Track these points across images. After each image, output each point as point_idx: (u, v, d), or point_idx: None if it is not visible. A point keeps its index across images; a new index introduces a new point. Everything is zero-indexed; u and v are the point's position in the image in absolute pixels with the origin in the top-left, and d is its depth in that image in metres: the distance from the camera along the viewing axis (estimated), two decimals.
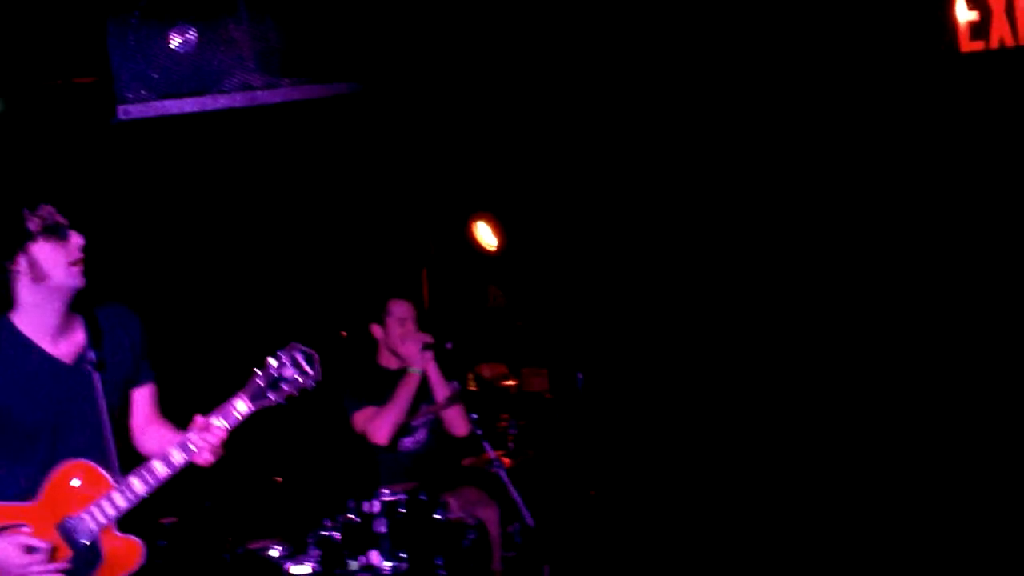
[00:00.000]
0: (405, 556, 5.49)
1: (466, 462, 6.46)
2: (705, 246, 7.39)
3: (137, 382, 4.04)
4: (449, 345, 6.11)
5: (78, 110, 5.74)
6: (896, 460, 6.70)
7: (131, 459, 3.96)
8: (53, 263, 3.76)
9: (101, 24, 5.06)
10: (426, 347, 6.06)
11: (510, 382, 7.70)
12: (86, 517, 3.81)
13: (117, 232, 6.98)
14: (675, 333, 7.61)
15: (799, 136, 6.70)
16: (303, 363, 3.83)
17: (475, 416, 6.05)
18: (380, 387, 6.08)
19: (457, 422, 6.16)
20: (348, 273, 7.77)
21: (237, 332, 7.32)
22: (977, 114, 5.97)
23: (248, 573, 5.73)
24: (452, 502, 5.79)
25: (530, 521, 5.88)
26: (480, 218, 8.15)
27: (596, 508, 7.18)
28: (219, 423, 3.81)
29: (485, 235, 8.19)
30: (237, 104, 5.07)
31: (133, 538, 3.85)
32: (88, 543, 3.81)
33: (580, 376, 7.24)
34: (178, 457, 3.79)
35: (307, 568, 5.55)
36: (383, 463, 6.04)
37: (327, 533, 5.59)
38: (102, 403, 3.85)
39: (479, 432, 6.03)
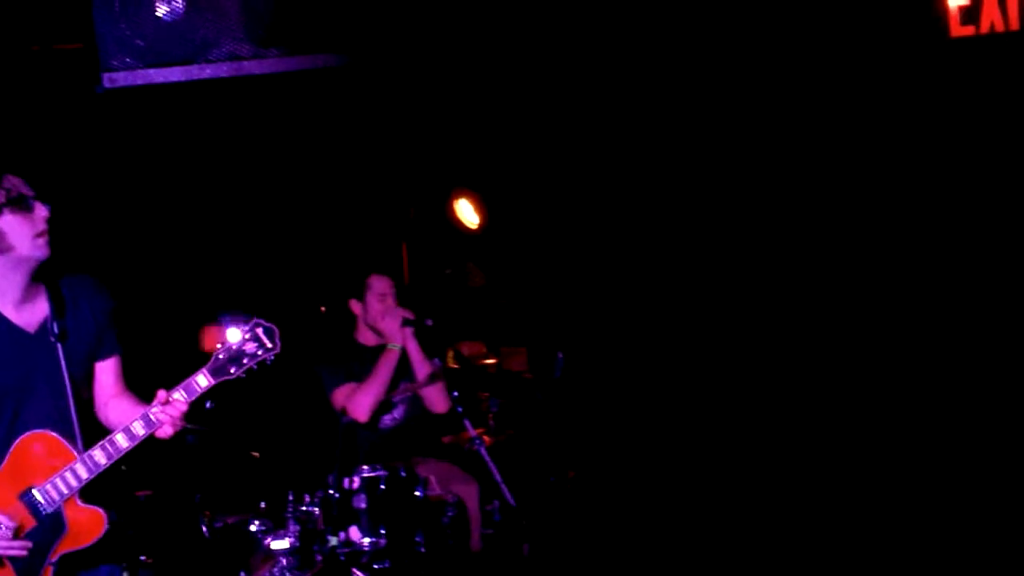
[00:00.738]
0: (384, 532, 5.47)
1: (446, 439, 6.45)
2: (686, 226, 7.39)
3: (101, 354, 4.06)
4: (429, 322, 6.08)
5: (62, 77, 5.66)
6: (869, 443, 6.74)
7: (95, 431, 4.00)
8: (18, 234, 3.80)
9: None
10: (406, 323, 6.03)
11: (490, 360, 7.68)
12: (49, 487, 3.84)
13: (95, 202, 6.92)
14: (656, 313, 7.61)
15: (787, 120, 6.70)
16: (263, 337, 3.94)
17: (456, 394, 6.02)
18: (359, 363, 6.05)
19: (437, 399, 6.13)
20: (328, 248, 7.72)
21: (216, 306, 7.27)
22: (967, 99, 5.98)
23: (227, 547, 5.71)
24: (432, 479, 5.77)
25: (510, 499, 5.88)
26: (461, 195, 8.11)
27: (575, 488, 7.18)
28: (180, 396, 3.88)
29: (467, 213, 8.15)
30: (224, 74, 5.02)
31: (96, 508, 3.88)
32: (51, 513, 3.86)
33: (560, 356, 7.23)
34: (140, 430, 3.85)
35: (286, 543, 5.53)
36: (362, 439, 6.01)
37: (307, 508, 5.57)
38: (64, 374, 3.89)
39: (459, 410, 6.01)
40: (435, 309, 6.49)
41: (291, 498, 5.61)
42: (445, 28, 5.69)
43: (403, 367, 6.05)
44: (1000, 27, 5.40)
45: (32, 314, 3.91)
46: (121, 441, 3.85)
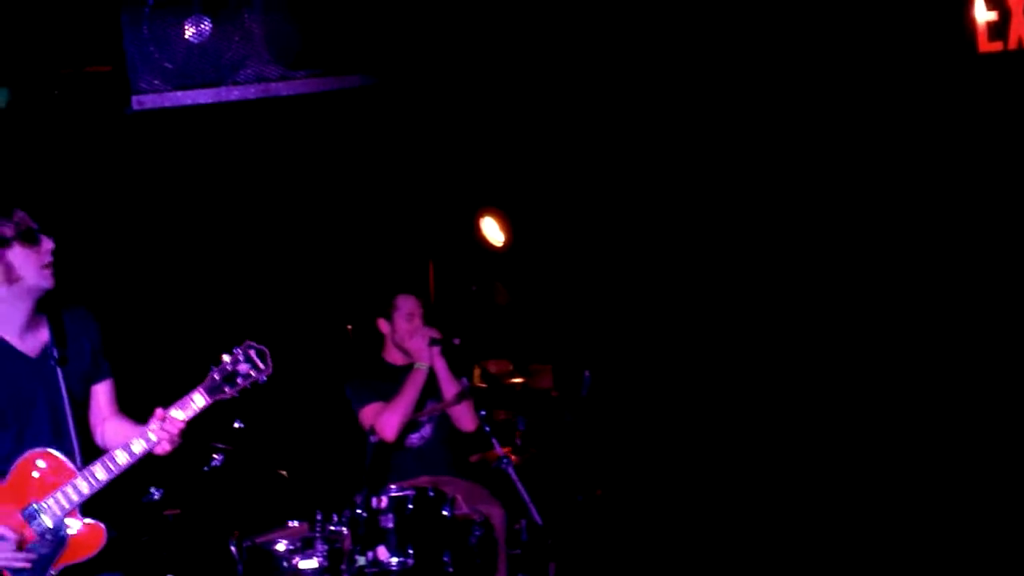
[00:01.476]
0: (412, 552, 5.46)
1: (473, 458, 6.43)
2: (713, 245, 7.37)
3: (96, 378, 4.30)
4: (457, 341, 6.08)
5: (92, 100, 5.71)
6: (909, 467, 6.69)
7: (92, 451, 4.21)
8: (26, 266, 4.06)
9: (115, 13, 5.03)
10: (433, 342, 6.03)
11: (517, 379, 7.66)
12: (51, 502, 4.02)
13: (126, 223, 6.97)
14: (681, 331, 7.58)
15: (816, 136, 6.68)
16: (256, 359, 4.11)
17: (483, 412, 6.02)
18: (386, 382, 6.06)
19: (465, 418, 6.13)
20: (355, 267, 7.74)
21: (245, 325, 7.28)
22: (995, 115, 5.95)
23: (255, 567, 5.71)
24: (459, 498, 5.76)
25: (537, 518, 5.85)
26: (487, 214, 8.11)
27: (602, 507, 7.15)
28: (177, 415, 4.08)
29: (492, 231, 8.15)
30: (251, 96, 5.06)
31: (96, 522, 4.07)
32: (52, 528, 4.02)
33: (587, 374, 7.21)
34: (138, 447, 4.05)
35: (314, 563, 5.53)
36: (390, 458, 6.01)
37: (335, 528, 5.56)
38: (64, 395, 4.13)
39: (487, 428, 6.00)
40: (462, 327, 6.48)
41: (319, 517, 5.61)
42: (471, 48, 5.71)
43: (431, 386, 6.05)
44: None
45: (35, 340, 4.16)
46: (120, 457, 4.04)
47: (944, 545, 6.28)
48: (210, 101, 5.03)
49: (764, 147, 6.90)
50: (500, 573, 5.82)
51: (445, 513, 5.57)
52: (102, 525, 4.08)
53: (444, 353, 6.08)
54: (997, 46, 5.46)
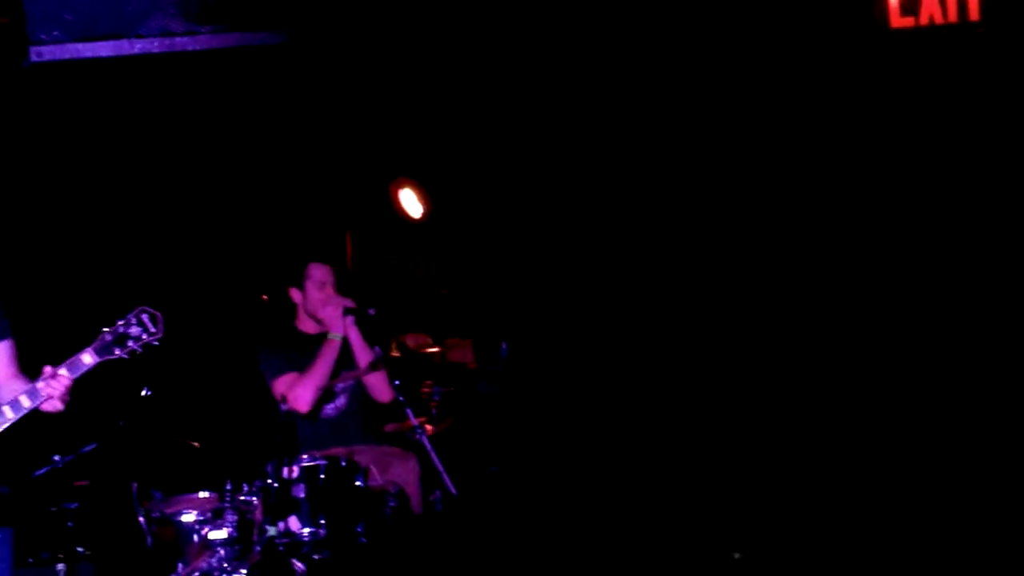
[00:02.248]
0: (324, 522, 5.42)
1: (389, 428, 6.40)
2: (630, 216, 7.39)
3: None
4: (372, 311, 6.04)
5: None
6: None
7: None
8: None
9: None
10: (347, 312, 5.98)
11: (434, 350, 7.64)
12: None
13: (21, 182, 6.78)
14: (599, 304, 7.62)
15: (728, 110, 6.72)
16: (147, 322, 4.27)
17: (398, 383, 5.98)
18: (300, 352, 6.00)
19: (380, 388, 6.10)
20: (271, 236, 7.63)
21: (153, 291, 7.15)
22: (906, 90, 6.03)
23: (164, 537, 5.64)
24: (373, 469, 5.73)
25: (452, 488, 5.85)
26: (405, 184, 8.05)
27: (516, 478, 7.17)
28: (65, 373, 4.18)
29: (410, 202, 8.10)
30: (155, 50, 4.95)
31: None
32: None
33: (504, 346, 7.22)
34: (27, 402, 4.16)
35: (224, 533, 5.46)
36: (304, 429, 5.96)
37: (245, 498, 5.50)
38: None
39: (402, 399, 5.97)
40: (380, 300, 6.43)
41: (229, 487, 5.55)
42: (389, 10, 5.63)
43: (345, 356, 6.01)
44: (939, 19, 5.45)
45: None
46: (7, 412, 4.14)
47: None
48: (111, 54, 4.91)
49: (679, 118, 6.93)
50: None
51: (358, 483, 5.54)
52: None
53: (359, 323, 6.03)
54: (909, 22, 5.53)
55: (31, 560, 5.90)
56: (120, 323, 4.24)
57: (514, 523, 6.85)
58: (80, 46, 4.85)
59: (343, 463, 5.54)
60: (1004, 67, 5.78)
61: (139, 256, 7.28)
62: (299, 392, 5.84)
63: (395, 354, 6.93)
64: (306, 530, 5.42)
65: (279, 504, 5.44)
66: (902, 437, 6.76)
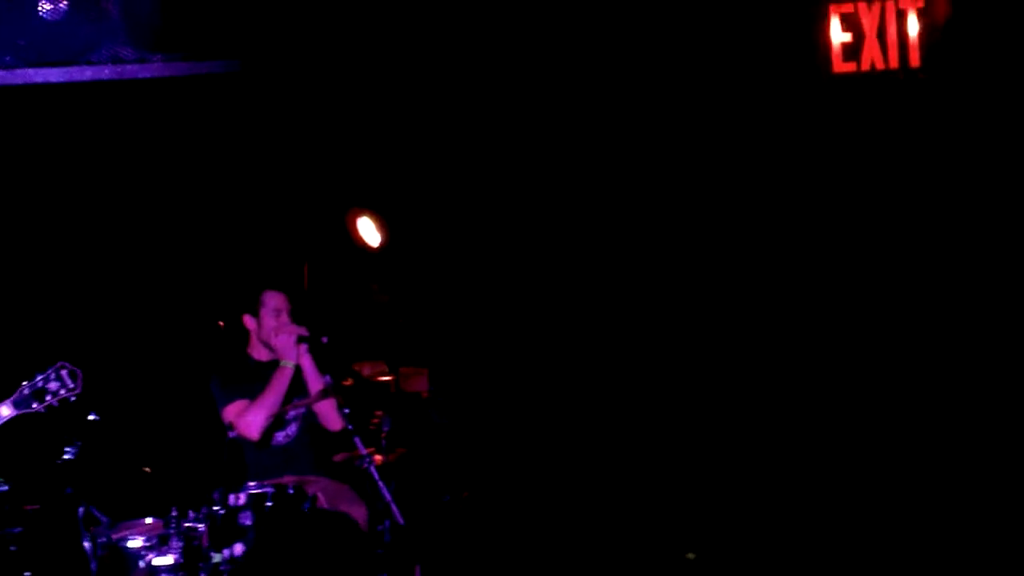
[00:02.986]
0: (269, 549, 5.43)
1: (337, 458, 6.41)
2: (583, 248, 7.47)
3: None
4: (325, 339, 6.06)
5: None
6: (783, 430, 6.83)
7: None
8: None
9: None
10: (301, 340, 6.01)
11: (386, 378, 7.67)
12: None
13: None
14: (556, 335, 7.67)
15: (670, 146, 6.80)
16: (66, 379, 4.47)
17: (347, 411, 6.01)
18: (251, 379, 6.02)
19: (330, 416, 6.11)
20: (228, 263, 7.65)
21: (107, 319, 7.16)
22: (847, 135, 6.14)
23: (109, 563, 5.63)
24: (320, 496, 5.75)
25: (400, 519, 5.87)
26: (362, 214, 8.09)
27: (469, 509, 7.20)
28: None
29: (367, 231, 8.14)
30: (105, 76, 4.98)
31: None
32: None
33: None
34: None
35: (170, 559, 5.46)
36: (253, 456, 5.97)
37: (191, 524, 5.51)
38: None
39: (351, 428, 5.99)
40: (336, 328, 6.47)
41: (175, 514, 5.55)
42: (344, 38, 5.68)
43: (297, 384, 6.03)
44: (880, 65, 5.57)
45: None
46: None
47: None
48: (61, 80, 4.94)
49: (626, 153, 7.01)
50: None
51: (304, 510, 5.56)
52: None
53: (312, 351, 6.05)
54: (851, 67, 5.65)
55: None
56: (39, 377, 4.43)
57: (467, 553, 6.89)
58: (31, 71, 4.89)
59: (291, 491, 5.56)
60: (944, 113, 5.91)
61: (90, 281, 7.29)
62: (250, 419, 5.86)
63: (347, 382, 6.95)
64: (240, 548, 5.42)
65: (225, 531, 5.46)
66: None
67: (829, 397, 6.74)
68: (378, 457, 6.23)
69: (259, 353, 6.17)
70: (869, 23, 5.62)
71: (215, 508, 5.48)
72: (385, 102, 6.96)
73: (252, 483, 5.57)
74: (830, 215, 6.42)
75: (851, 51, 5.62)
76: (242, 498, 5.49)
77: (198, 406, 6.08)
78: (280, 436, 6.07)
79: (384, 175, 7.75)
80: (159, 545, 5.57)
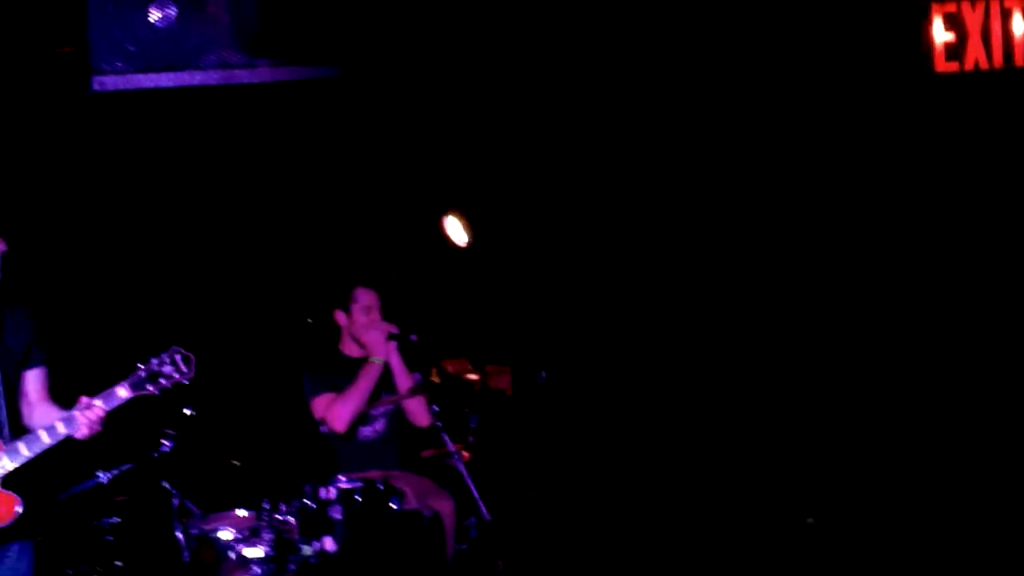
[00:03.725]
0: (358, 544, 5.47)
1: (425, 454, 6.45)
2: (671, 248, 7.44)
3: (28, 364, 4.59)
4: (414, 337, 6.10)
5: (53, 80, 5.68)
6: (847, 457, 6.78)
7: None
8: None
9: None
10: (391, 337, 6.05)
11: (473, 377, 7.69)
12: None
13: (78, 209, 6.94)
14: (640, 334, 7.65)
15: (773, 147, 6.75)
16: (180, 363, 4.52)
17: (436, 408, 6.04)
18: (341, 374, 6.07)
19: (418, 413, 6.15)
20: (316, 259, 7.74)
21: (203, 313, 7.28)
22: (950, 135, 6.04)
23: (201, 554, 5.71)
24: (408, 492, 5.78)
25: (486, 515, 5.88)
26: (451, 213, 8.12)
27: (551, 506, 7.20)
28: (100, 404, 4.41)
29: (455, 231, 8.16)
30: (213, 82, 5.08)
31: (11, 494, 4.37)
32: None
33: (543, 374, 7.26)
34: (62, 429, 4.38)
35: (260, 551, 5.53)
36: (341, 451, 6.02)
37: (282, 517, 5.57)
38: None
39: (439, 424, 6.02)
40: (422, 325, 6.51)
41: (266, 506, 5.62)
42: (439, 45, 5.72)
43: (385, 380, 6.07)
44: (984, 65, 5.47)
45: None
46: (44, 437, 4.37)
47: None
48: (171, 85, 5.04)
49: (725, 158, 6.97)
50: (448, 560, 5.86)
51: (393, 506, 5.59)
52: (17, 497, 4.36)
53: (401, 349, 6.10)
54: (954, 67, 5.55)
55: (70, 573, 6.00)
56: (154, 360, 4.49)
57: (548, 550, 6.88)
58: (142, 77, 5.00)
59: (380, 486, 5.60)
60: None
61: (191, 278, 7.42)
62: (337, 411, 5.91)
63: (435, 380, 6.99)
64: (333, 546, 5.47)
65: (315, 524, 5.51)
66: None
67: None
68: (466, 454, 6.26)
69: (350, 349, 6.23)
70: (973, 22, 5.51)
71: (306, 501, 5.55)
72: (475, 106, 7.00)
73: (342, 477, 5.61)
74: (934, 215, 6.32)
75: (954, 50, 5.51)
76: (332, 492, 5.54)
77: (291, 401, 6.14)
78: (367, 431, 6.12)
79: (473, 176, 7.78)
80: (250, 537, 5.65)
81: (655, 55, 6.46)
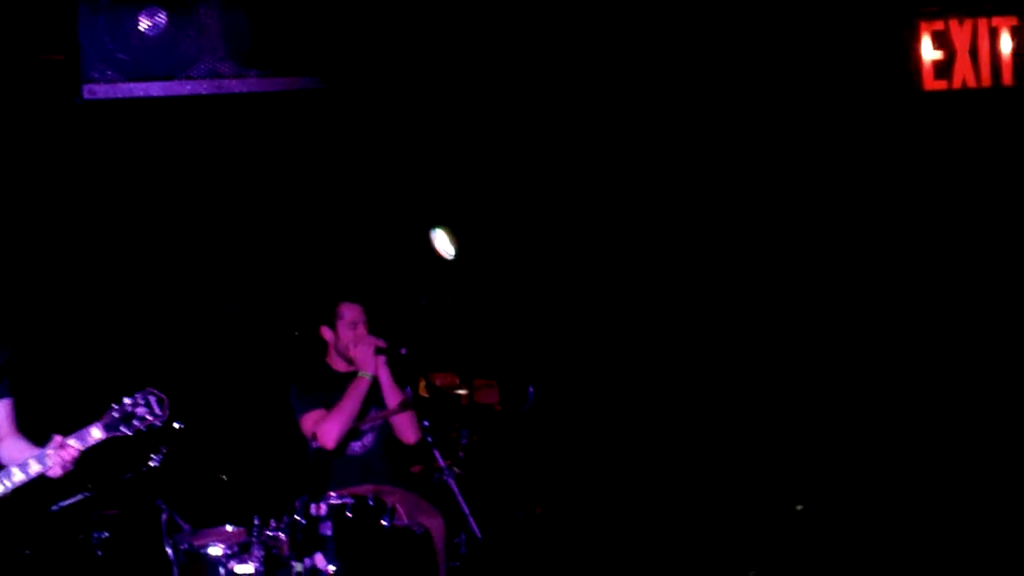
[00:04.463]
0: (349, 561, 5.45)
1: (415, 469, 6.44)
2: (659, 262, 7.46)
3: None
4: (403, 351, 6.09)
5: (43, 88, 5.67)
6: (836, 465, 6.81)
7: None
8: None
9: (70, 2, 5.02)
10: (378, 351, 6.04)
11: (461, 392, 7.69)
12: None
13: (66, 216, 6.91)
14: (627, 348, 7.66)
15: (763, 164, 6.79)
16: (154, 405, 4.51)
17: (426, 424, 6.03)
18: (329, 389, 6.05)
19: (407, 429, 6.13)
20: (305, 269, 7.73)
21: (190, 329, 7.26)
22: (938, 152, 6.09)
23: (190, 570, 5.69)
24: (399, 508, 5.77)
25: (477, 532, 5.87)
26: (438, 226, 8.13)
27: (542, 523, 7.19)
28: (74, 444, 4.43)
29: (442, 244, 8.17)
30: (203, 91, 5.07)
31: None
32: None
33: (531, 390, 7.26)
34: (34, 468, 4.40)
35: (250, 568, 5.51)
36: (330, 466, 6.00)
37: (272, 533, 5.55)
38: None
39: (429, 440, 6.01)
40: (409, 339, 6.51)
41: (257, 522, 5.60)
42: (426, 55, 5.73)
43: (374, 395, 6.06)
44: (972, 83, 5.51)
45: None
46: (16, 475, 4.39)
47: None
48: (161, 94, 5.04)
49: (710, 174, 7.01)
50: None
51: (384, 523, 5.58)
52: None
53: (389, 363, 6.08)
54: (942, 85, 5.59)
55: None
56: (128, 402, 4.48)
57: (540, 568, 6.88)
58: (132, 85, 5.00)
59: (371, 502, 5.59)
60: None
61: (176, 290, 7.40)
62: (327, 427, 5.89)
63: (423, 394, 6.98)
64: (331, 567, 5.46)
65: (306, 541, 5.49)
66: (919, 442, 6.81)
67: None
68: (456, 470, 6.25)
69: (338, 364, 6.21)
70: (961, 41, 5.56)
71: (296, 517, 5.52)
72: (460, 117, 7.01)
73: (333, 493, 5.59)
74: (921, 232, 6.37)
75: (942, 69, 5.56)
76: (323, 508, 5.52)
77: (281, 416, 6.13)
78: (356, 446, 6.10)
79: (461, 188, 7.80)
80: (240, 553, 5.62)
81: (639, 74, 6.49)
